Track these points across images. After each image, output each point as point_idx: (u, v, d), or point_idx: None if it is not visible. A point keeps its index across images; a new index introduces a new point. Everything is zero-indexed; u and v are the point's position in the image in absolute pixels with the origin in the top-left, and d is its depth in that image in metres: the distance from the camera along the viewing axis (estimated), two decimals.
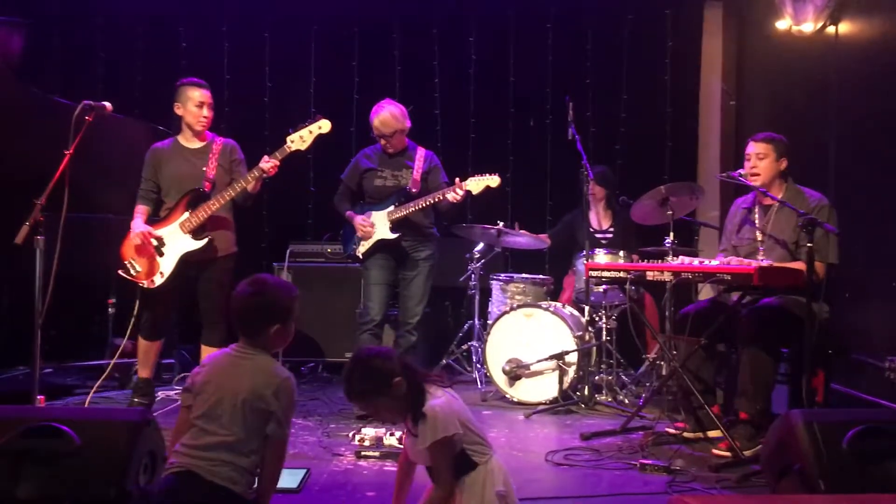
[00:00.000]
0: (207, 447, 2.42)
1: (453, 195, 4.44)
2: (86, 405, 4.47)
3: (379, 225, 4.62)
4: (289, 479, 3.26)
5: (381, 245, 4.64)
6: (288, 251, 5.86)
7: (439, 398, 2.55)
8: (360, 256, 4.70)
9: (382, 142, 4.64)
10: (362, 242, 4.67)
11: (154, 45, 6.37)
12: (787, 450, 2.77)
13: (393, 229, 4.60)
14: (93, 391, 4.52)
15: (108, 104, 4.00)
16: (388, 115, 4.58)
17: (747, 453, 3.64)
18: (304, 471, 3.37)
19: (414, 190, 4.61)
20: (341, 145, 6.19)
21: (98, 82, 6.24)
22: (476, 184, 4.46)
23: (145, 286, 4.31)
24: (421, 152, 4.74)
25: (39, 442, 2.53)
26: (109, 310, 5.38)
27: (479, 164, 4.58)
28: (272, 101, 6.45)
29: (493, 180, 4.48)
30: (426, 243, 4.72)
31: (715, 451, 3.77)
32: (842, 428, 2.70)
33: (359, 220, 4.64)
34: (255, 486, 2.50)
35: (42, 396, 3.80)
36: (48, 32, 6.22)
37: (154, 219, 4.43)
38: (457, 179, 4.49)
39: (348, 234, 4.77)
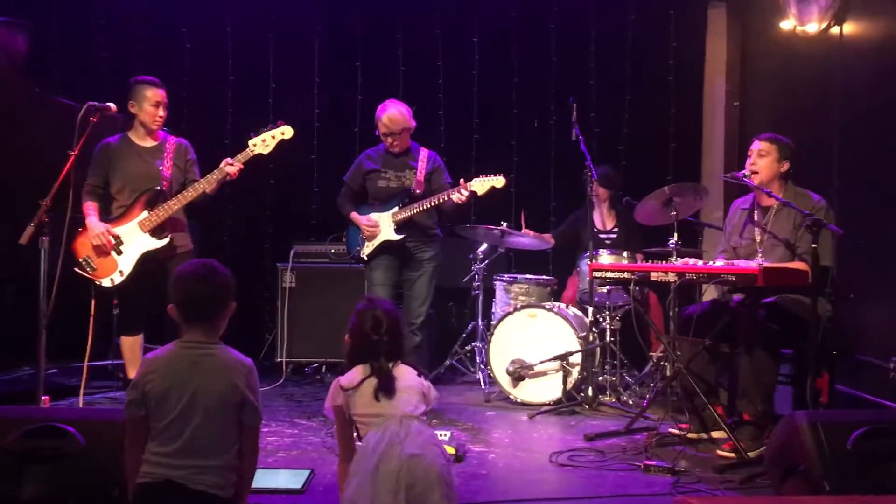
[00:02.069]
0: (184, 454, 2.33)
1: (458, 196, 4.44)
2: (80, 405, 4.46)
3: (383, 226, 4.62)
4: (293, 479, 3.27)
5: (386, 246, 4.64)
6: (292, 252, 5.86)
7: (355, 377, 2.66)
8: (365, 258, 4.70)
9: (390, 140, 4.64)
10: (367, 244, 4.67)
11: (157, 47, 6.38)
12: (792, 451, 2.77)
13: (397, 230, 4.60)
14: (82, 389, 4.46)
15: (112, 105, 4.01)
16: (396, 112, 4.60)
17: (751, 454, 3.63)
18: (308, 471, 3.38)
19: (418, 191, 4.61)
20: (345, 146, 6.20)
21: (102, 83, 6.25)
22: (481, 184, 4.46)
23: (103, 285, 4.29)
24: (424, 153, 4.74)
25: (44, 442, 2.54)
26: (114, 311, 5.38)
27: (482, 164, 4.58)
28: (276, 101, 6.45)
29: (498, 181, 4.48)
30: (430, 244, 4.71)
31: (719, 453, 3.76)
32: (846, 429, 2.70)
33: (364, 220, 4.65)
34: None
35: (47, 397, 3.81)
36: (52, 33, 6.23)
37: (104, 216, 4.35)
38: (461, 180, 4.48)
39: (352, 236, 4.77)
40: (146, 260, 4.29)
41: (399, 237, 4.59)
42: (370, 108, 4.84)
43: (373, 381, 2.63)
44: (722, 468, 3.53)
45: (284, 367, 5.65)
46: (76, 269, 4.28)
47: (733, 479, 3.40)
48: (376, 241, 4.64)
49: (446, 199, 4.48)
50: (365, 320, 2.69)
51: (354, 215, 4.72)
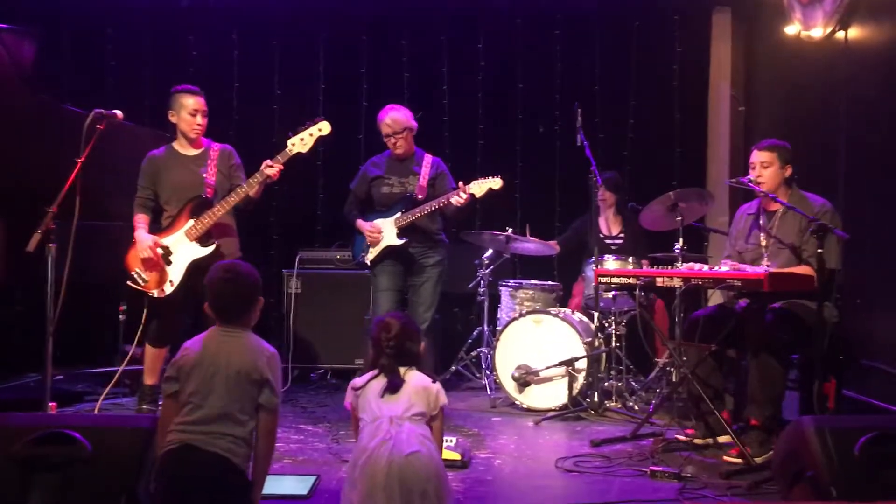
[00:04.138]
0: (204, 420, 2.52)
1: (457, 199, 4.46)
2: (96, 412, 4.48)
3: (386, 232, 4.64)
4: (298, 485, 3.28)
5: (389, 252, 4.65)
6: (297, 258, 5.87)
7: (365, 377, 2.82)
8: (369, 263, 4.71)
9: (392, 140, 4.67)
10: (370, 249, 4.68)
11: (164, 54, 6.41)
12: (799, 457, 2.76)
13: (400, 235, 4.61)
14: (102, 398, 4.53)
15: (118, 112, 4.02)
16: (397, 113, 4.68)
17: (758, 460, 3.62)
18: (314, 477, 3.38)
19: (420, 196, 4.63)
20: (350, 152, 6.22)
21: (109, 91, 6.28)
22: (479, 186, 4.48)
23: (155, 295, 4.32)
24: (428, 159, 4.76)
25: (51, 449, 2.53)
26: (120, 317, 5.41)
27: (487, 170, 4.58)
28: (281, 108, 6.48)
29: (496, 182, 4.49)
30: (435, 249, 4.72)
31: (726, 458, 3.75)
32: (853, 434, 2.69)
33: (367, 226, 4.67)
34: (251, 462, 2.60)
35: (53, 403, 3.82)
36: (59, 41, 6.26)
37: (155, 227, 4.41)
38: (460, 183, 4.51)
39: (358, 242, 4.79)
40: (194, 268, 4.29)
41: (401, 242, 4.60)
42: (375, 114, 4.86)
43: (380, 381, 2.77)
44: (728, 474, 3.52)
45: (290, 373, 5.65)
46: (129, 283, 4.33)
47: (740, 484, 3.39)
48: (380, 247, 4.65)
49: (446, 202, 4.50)
50: (380, 327, 2.85)
51: (359, 221, 4.74)
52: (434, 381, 2.81)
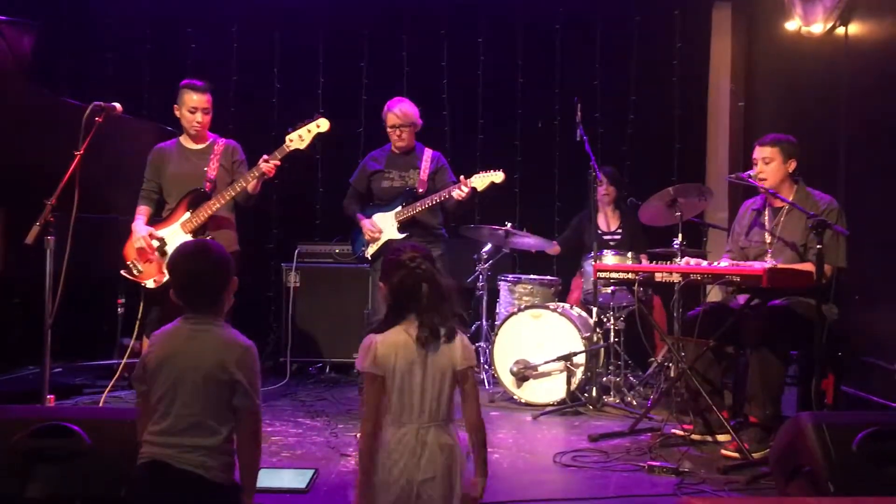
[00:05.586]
0: (171, 431, 2.29)
1: (458, 192, 4.46)
2: (101, 404, 4.48)
3: (387, 226, 4.64)
4: (297, 479, 3.28)
5: (390, 246, 4.65)
6: (296, 252, 5.87)
7: (387, 336, 2.38)
8: (369, 257, 4.71)
9: (396, 133, 4.66)
10: (370, 244, 4.69)
11: (163, 46, 6.39)
12: (797, 452, 2.76)
13: (401, 230, 4.61)
14: (107, 391, 4.52)
15: (117, 105, 4.01)
16: (407, 107, 4.68)
17: (756, 455, 3.62)
18: (313, 471, 3.38)
19: (421, 190, 4.63)
20: (350, 146, 6.21)
21: (108, 83, 6.26)
22: (481, 180, 4.48)
23: (148, 286, 4.31)
24: (428, 153, 4.76)
25: (49, 441, 2.54)
26: (118, 310, 5.40)
27: (486, 165, 4.58)
28: (280, 101, 6.46)
29: (498, 176, 4.49)
30: (435, 244, 4.71)
31: (724, 452, 3.76)
32: (851, 430, 2.70)
33: (366, 224, 4.66)
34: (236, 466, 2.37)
35: (52, 396, 3.82)
36: (58, 33, 6.24)
37: (156, 219, 4.42)
38: (461, 177, 4.51)
39: (357, 236, 4.79)
40: None
41: (402, 236, 4.60)
42: (375, 108, 4.85)
43: (411, 332, 2.35)
44: (726, 469, 3.53)
45: (289, 366, 5.66)
46: (122, 272, 4.33)
47: (738, 479, 3.40)
48: (380, 241, 4.66)
49: (447, 196, 4.50)
50: (399, 254, 2.45)
51: (359, 217, 4.74)
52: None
